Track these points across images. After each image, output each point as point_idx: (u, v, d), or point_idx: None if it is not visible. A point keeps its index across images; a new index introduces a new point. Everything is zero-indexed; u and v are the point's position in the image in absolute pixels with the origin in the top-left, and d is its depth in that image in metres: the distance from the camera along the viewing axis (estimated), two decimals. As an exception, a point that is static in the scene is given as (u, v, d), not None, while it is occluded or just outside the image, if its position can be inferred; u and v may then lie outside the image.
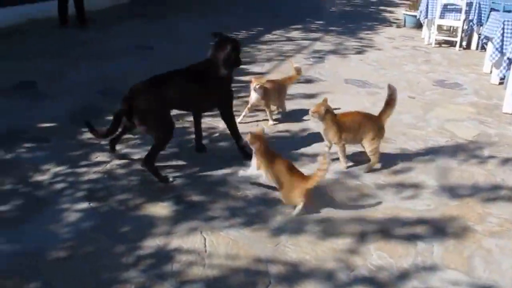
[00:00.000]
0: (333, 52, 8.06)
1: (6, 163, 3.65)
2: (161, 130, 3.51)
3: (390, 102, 3.83)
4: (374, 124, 3.78)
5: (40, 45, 7.37)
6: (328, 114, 3.67)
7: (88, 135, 4.15)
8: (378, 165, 3.86)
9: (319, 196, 3.33)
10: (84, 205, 3.15)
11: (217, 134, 4.39)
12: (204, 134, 4.21)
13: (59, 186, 3.37)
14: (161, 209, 3.16)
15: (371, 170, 3.81)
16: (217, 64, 3.76)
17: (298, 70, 5.00)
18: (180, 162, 3.81)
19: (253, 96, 4.63)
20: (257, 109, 4.88)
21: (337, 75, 6.58)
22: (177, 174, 3.61)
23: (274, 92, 4.76)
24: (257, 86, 4.52)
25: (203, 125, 4.12)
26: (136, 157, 3.84)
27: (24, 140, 4.03)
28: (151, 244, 2.79)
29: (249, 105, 4.72)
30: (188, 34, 8.79)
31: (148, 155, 3.49)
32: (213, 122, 4.62)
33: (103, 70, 6.15)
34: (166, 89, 3.51)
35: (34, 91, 5.30)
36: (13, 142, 3.99)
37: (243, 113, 4.72)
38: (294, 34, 9.51)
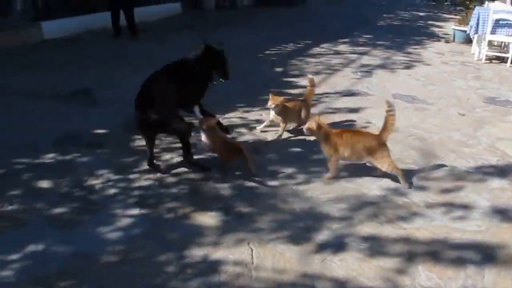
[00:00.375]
0: (381, 66, 8.01)
1: (63, 166, 3.79)
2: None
3: (388, 119, 3.72)
4: (375, 141, 3.73)
5: (96, 54, 7.62)
6: (321, 129, 3.73)
7: (139, 143, 4.30)
8: (427, 183, 3.82)
9: (364, 213, 3.33)
10: (135, 211, 3.24)
11: (265, 147, 4.43)
12: (252, 147, 4.30)
13: (112, 191, 3.48)
14: (209, 218, 3.21)
15: (417, 186, 3.77)
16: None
17: (311, 82, 4.88)
18: (229, 173, 3.86)
19: (271, 114, 4.64)
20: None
21: (385, 90, 6.54)
22: (225, 185, 3.66)
23: (294, 112, 4.66)
24: (272, 105, 4.50)
25: (250, 137, 4.17)
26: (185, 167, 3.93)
27: (79, 145, 4.19)
28: (199, 253, 2.84)
29: (268, 121, 4.74)
30: (236, 45, 8.89)
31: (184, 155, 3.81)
32: (262, 134, 4.67)
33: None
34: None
35: (90, 98, 5.50)
36: (69, 146, 4.15)
37: (264, 123, 4.78)
38: (342, 47, 9.51)
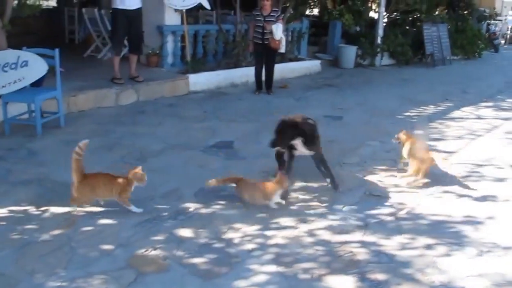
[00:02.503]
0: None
1: (204, 218, 3.94)
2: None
3: None
4: None
5: (238, 108, 7.95)
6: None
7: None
8: None
9: None
10: (271, 268, 3.24)
11: (405, 211, 4.25)
12: (388, 211, 4.20)
13: (249, 246, 3.53)
14: (344, 283, 3.11)
15: None
16: None
17: None
18: (366, 238, 3.75)
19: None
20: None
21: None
22: (363, 249, 3.55)
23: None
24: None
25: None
26: (323, 224, 3.88)
27: (220, 197, 4.32)
28: (334, 319, 2.75)
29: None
30: (375, 105, 8.81)
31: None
32: (402, 198, 4.50)
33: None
34: None
35: (232, 151, 5.71)
36: (211, 198, 4.30)
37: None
38: (484, 112, 8.95)
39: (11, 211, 3.90)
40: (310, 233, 3.76)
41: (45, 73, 5.99)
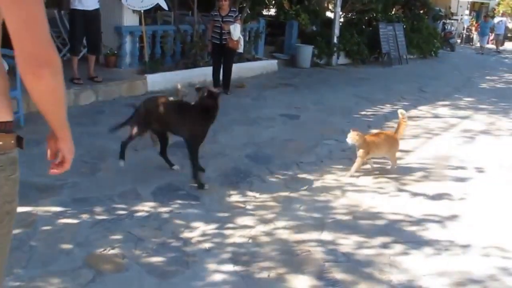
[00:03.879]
0: (484, 132, 7.67)
1: (161, 217, 3.92)
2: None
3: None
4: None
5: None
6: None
7: (236, 198, 4.38)
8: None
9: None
10: (228, 267, 3.26)
11: (360, 210, 4.35)
12: (345, 211, 4.27)
13: (206, 245, 3.54)
14: (301, 282, 3.16)
15: None
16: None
17: (403, 115, 5.32)
18: (323, 237, 3.81)
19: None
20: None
21: (488, 158, 6.23)
22: (320, 248, 3.61)
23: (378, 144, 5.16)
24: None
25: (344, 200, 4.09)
26: (280, 224, 3.93)
27: (178, 196, 4.32)
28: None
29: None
30: (331, 104, 8.93)
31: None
32: (359, 198, 4.60)
33: (250, 135, 6.44)
34: None
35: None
36: (169, 197, 4.29)
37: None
38: (441, 110, 9.22)
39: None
40: (268, 233, 3.80)
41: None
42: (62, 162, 1.84)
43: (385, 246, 3.72)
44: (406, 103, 9.57)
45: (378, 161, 5.66)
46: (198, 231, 3.74)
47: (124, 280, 3.06)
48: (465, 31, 26.38)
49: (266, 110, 8.06)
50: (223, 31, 8.73)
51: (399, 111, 5.43)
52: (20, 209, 3.81)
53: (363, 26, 15.96)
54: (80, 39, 8.03)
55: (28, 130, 5.89)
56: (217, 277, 3.15)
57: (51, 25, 9.11)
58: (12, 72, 5.92)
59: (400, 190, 4.88)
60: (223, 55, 9.06)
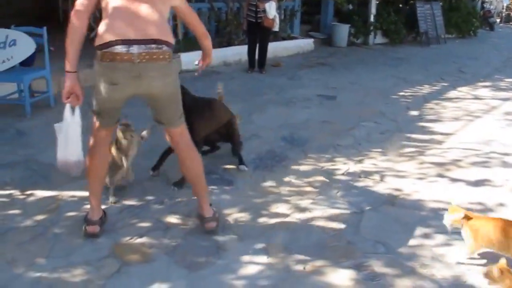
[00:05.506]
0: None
1: (192, 203, 3.71)
2: None
3: None
4: None
5: (230, 87, 7.71)
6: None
7: (270, 183, 4.17)
8: None
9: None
10: (262, 258, 3.07)
11: (400, 197, 4.10)
12: (384, 197, 4.02)
13: (239, 233, 3.35)
14: (339, 275, 2.95)
15: None
16: None
17: None
18: (362, 225, 3.58)
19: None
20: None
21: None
22: (358, 239, 3.39)
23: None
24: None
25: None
26: (317, 212, 3.72)
27: (211, 180, 4.07)
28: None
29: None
30: (368, 85, 8.62)
31: None
32: (399, 183, 4.34)
33: (286, 117, 6.22)
34: None
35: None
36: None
37: None
38: (482, 92, 8.79)
39: (-6, 195, 3.72)
40: (303, 221, 3.59)
41: (34, 52, 5.81)
42: (205, 56, 3.39)
43: (426, 236, 3.46)
44: (445, 84, 9.19)
45: (417, 144, 5.39)
46: (230, 218, 3.56)
47: (151, 271, 2.90)
48: (504, 10, 25.41)
49: (302, 90, 7.81)
50: (258, 9, 8.52)
51: None
52: (44, 193, 3.75)
53: (400, 5, 15.46)
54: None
55: (57, 110, 5.80)
56: (250, 269, 2.96)
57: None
58: (42, 51, 5.88)
59: (441, 176, 4.58)
60: (258, 34, 8.85)
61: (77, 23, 2.78)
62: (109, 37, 2.73)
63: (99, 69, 2.82)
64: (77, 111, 2.95)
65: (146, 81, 2.82)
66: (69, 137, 2.96)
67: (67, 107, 2.93)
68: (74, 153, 2.98)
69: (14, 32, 5.70)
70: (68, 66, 2.84)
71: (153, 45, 2.79)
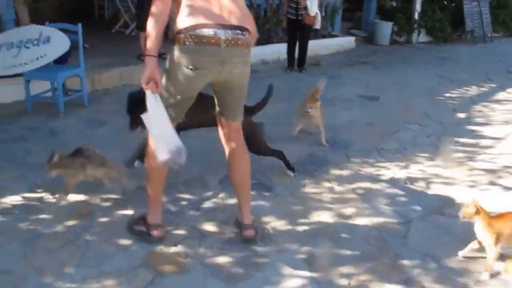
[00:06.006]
0: None
1: (229, 209, 3.57)
2: None
3: None
4: None
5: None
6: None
7: (310, 189, 3.98)
8: None
9: None
10: (303, 272, 2.88)
11: (448, 205, 3.83)
12: (432, 206, 3.75)
13: (279, 244, 3.17)
14: (388, 292, 2.75)
15: None
16: None
17: None
18: (410, 237, 3.36)
19: None
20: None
21: None
22: (406, 251, 3.16)
23: None
24: None
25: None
26: (361, 220, 3.51)
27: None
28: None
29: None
30: (412, 85, 8.31)
31: None
32: (447, 191, 4.08)
33: (327, 118, 5.95)
34: None
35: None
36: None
37: None
38: (535, 94, 8.35)
39: (25, 198, 3.63)
40: (347, 231, 3.38)
41: (68, 50, 5.70)
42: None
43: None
44: (493, 85, 8.79)
45: (465, 149, 5.11)
46: (269, 226, 3.38)
47: (186, 283, 2.74)
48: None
49: (343, 90, 7.56)
50: (299, 6, 8.32)
51: None
52: (75, 197, 3.63)
53: (446, 2, 14.98)
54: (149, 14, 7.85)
55: (91, 110, 5.81)
56: (291, 283, 2.78)
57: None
58: (77, 48, 5.81)
59: (493, 184, 4.31)
60: (298, 31, 8.65)
61: (161, 6, 2.67)
62: (195, 20, 2.64)
63: (180, 54, 2.68)
64: (158, 97, 2.72)
65: (229, 67, 2.73)
66: (162, 126, 2.75)
67: (149, 95, 2.68)
68: (172, 140, 2.77)
69: (48, 28, 5.59)
70: (152, 50, 2.67)
71: (238, 31, 2.71)
